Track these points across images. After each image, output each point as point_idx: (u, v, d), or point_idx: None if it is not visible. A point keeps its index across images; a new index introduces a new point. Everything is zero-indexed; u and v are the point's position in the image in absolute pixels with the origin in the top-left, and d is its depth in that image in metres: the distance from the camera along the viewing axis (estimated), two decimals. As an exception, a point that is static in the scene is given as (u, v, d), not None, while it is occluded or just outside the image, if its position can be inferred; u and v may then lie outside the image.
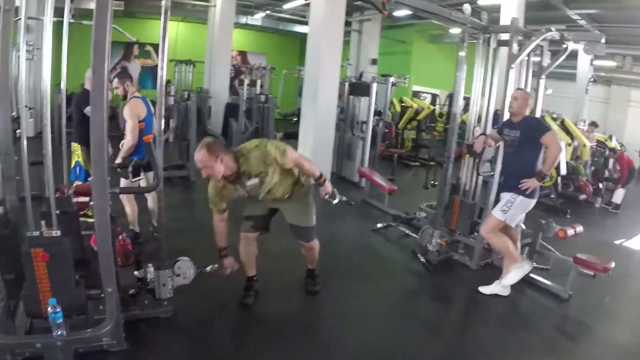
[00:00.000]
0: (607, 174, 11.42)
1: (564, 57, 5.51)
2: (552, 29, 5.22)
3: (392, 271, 5.43)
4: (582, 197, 9.53)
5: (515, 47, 5.14)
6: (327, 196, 3.94)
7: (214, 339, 3.71)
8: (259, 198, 3.83)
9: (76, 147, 5.40)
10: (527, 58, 5.44)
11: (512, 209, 4.61)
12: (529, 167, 4.58)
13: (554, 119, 9.95)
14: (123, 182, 4.76)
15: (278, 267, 4.96)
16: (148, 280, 3.66)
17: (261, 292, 4.33)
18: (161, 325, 3.69)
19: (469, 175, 5.68)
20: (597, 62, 15.86)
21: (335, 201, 3.97)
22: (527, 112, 4.72)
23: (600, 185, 11.03)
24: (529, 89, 5.57)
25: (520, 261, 4.74)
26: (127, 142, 4.74)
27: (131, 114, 4.76)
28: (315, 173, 3.86)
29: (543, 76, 5.59)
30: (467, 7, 5.10)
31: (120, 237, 4.22)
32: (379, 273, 5.32)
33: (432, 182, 6.05)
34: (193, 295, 4.04)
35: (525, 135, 4.57)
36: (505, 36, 5.37)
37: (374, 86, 8.66)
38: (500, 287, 4.78)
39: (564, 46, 5.45)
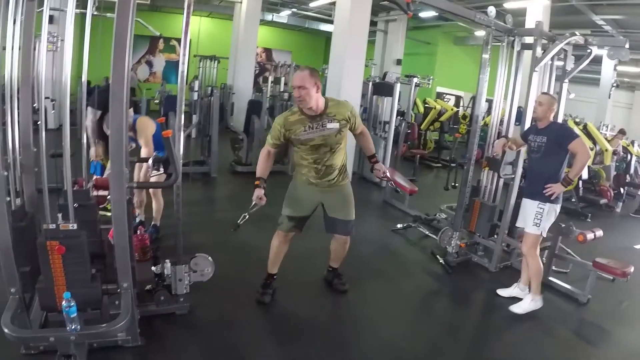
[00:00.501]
0: (628, 178, 11.37)
1: (587, 61, 5.49)
2: (577, 33, 5.23)
3: (411, 272, 5.45)
4: (603, 201, 9.53)
5: (539, 50, 5.15)
6: (383, 174, 4.12)
7: (230, 337, 3.70)
8: (321, 155, 3.81)
9: None
10: (550, 62, 5.45)
11: (543, 220, 4.49)
12: (554, 173, 4.48)
13: (577, 123, 9.92)
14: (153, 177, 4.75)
15: (297, 266, 4.95)
16: (165, 275, 3.70)
17: (279, 291, 4.35)
18: (177, 321, 3.70)
19: (489, 178, 5.72)
20: (621, 68, 15.79)
21: (390, 182, 4.17)
22: (552, 117, 4.64)
23: (622, 190, 11.00)
24: (552, 93, 5.59)
25: (539, 295, 4.64)
26: (145, 152, 4.76)
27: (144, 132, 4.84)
28: (373, 148, 4.20)
29: (566, 80, 5.57)
30: (491, 10, 5.12)
31: (138, 231, 4.32)
32: (398, 273, 5.36)
33: (453, 183, 6.10)
34: (210, 292, 4.08)
35: (552, 142, 4.45)
36: (529, 39, 5.37)
37: (398, 86, 8.69)
38: (531, 302, 4.65)
39: (588, 51, 5.43)
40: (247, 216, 3.68)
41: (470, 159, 5.49)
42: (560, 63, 5.62)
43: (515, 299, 4.79)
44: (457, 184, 5.49)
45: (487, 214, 5.54)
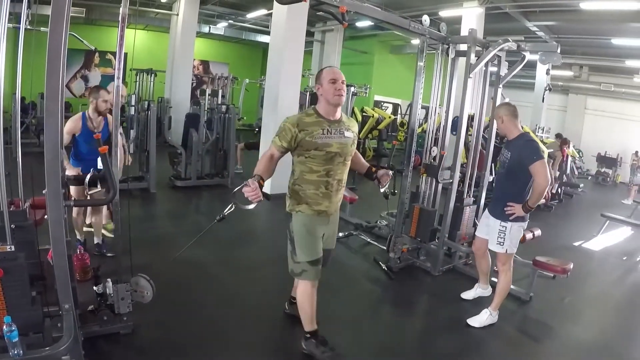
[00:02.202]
0: (565, 179, 11.73)
1: (520, 66, 5.61)
2: (510, 39, 5.32)
3: (354, 280, 5.40)
4: (541, 202, 9.73)
5: (473, 57, 5.23)
6: (384, 186, 3.77)
7: (175, 356, 3.58)
8: (335, 167, 3.34)
9: None
10: (484, 68, 5.55)
11: (506, 239, 4.31)
12: (518, 192, 4.24)
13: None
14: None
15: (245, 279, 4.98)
16: (107, 295, 3.59)
17: (228, 309, 4.32)
18: (121, 341, 3.59)
19: (428, 183, 5.76)
20: (554, 72, 16.33)
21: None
22: (519, 126, 4.38)
23: (560, 190, 11.34)
24: (486, 98, 5.67)
25: (497, 310, 4.55)
26: None
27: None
28: (365, 162, 3.91)
29: (500, 85, 5.68)
30: (425, 18, 5.15)
31: (78, 251, 4.18)
32: (341, 282, 5.27)
33: (392, 190, 6.09)
34: (154, 310, 3.95)
35: (514, 159, 4.22)
36: (463, 47, 5.46)
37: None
38: (489, 317, 4.54)
39: (522, 56, 5.55)
40: (233, 208, 3.40)
41: (409, 166, 5.48)
42: (495, 69, 5.70)
43: (459, 301, 4.93)
44: (396, 191, 5.47)
45: (427, 219, 5.57)
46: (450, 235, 5.58)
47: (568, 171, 12.03)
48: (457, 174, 5.45)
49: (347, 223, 7.16)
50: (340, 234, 6.58)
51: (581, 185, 12.60)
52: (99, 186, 4.38)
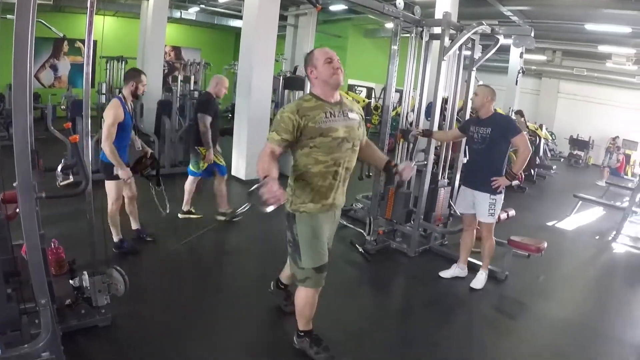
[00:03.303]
0: (538, 161, 11.86)
1: (494, 50, 5.66)
2: (484, 23, 5.34)
3: (331, 263, 5.29)
4: (515, 183, 9.80)
5: (447, 40, 5.23)
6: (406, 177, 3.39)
7: (153, 347, 3.52)
8: (343, 154, 3.03)
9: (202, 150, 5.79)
10: (458, 51, 5.56)
11: (496, 210, 4.74)
12: (499, 164, 4.66)
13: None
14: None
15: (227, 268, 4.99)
16: (84, 288, 3.48)
17: (211, 299, 4.28)
18: (100, 334, 3.52)
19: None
20: (528, 56, 16.44)
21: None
22: (492, 108, 4.73)
23: (532, 172, 11.45)
24: (460, 81, 5.69)
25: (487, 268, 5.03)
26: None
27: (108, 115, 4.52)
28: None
29: (474, 68, 5.70)
30: (399, 1, 5.14)
31: (52, 245, 4.07)
32: None
33: (367, 173, 6.11)
34: (132, 301, 3.89)
35: (496, 133, 4.57)
36: (437, 30, 5.46)
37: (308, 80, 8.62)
38: (486, 276, 4.98)
39: (495, 40, 5.57)
40: (247, 207, 3.11)
41: (383, 149, 5.48)
42: (469, 52, 5.72)
43: (437, 280, 5.02)
44: (370, 174, 5.49)
45: (402, 201, 5.60)
46: (425, 217, 5.61)
47: (541, 153, 12.16)
48: (432, 156, 5.47)
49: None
50: None
51: (554, 167, 12.76)
52: (71, 177, 4.30)
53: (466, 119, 5.60)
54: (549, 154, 13.78)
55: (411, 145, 5.66)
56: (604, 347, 4.10)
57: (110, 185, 4.69)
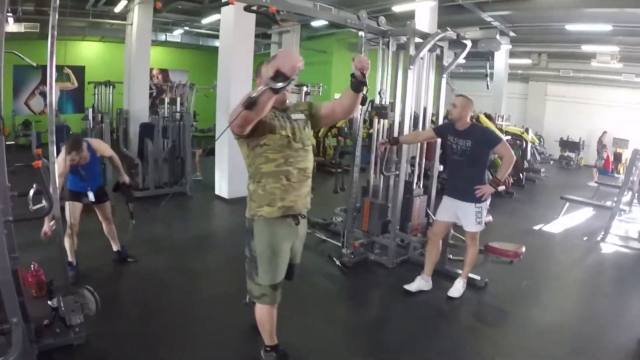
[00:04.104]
0: (526, 164, 11.84)
1: (463, 55, 5.68)
2: (448, 29, 5.34)
3: (308, 277, 5.25)
4: (502, 188, 9.76)
5: (412, 49, 5.24)
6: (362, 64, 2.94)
7: None
8: (293, 153, 3.00)
9: None
10: (429, 58, 5.59)
11: (482, 217, 4.72)
12: (482, 174, 4.68)
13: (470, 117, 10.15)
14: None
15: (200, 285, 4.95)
16: (60, 308, 3.59)
17: (184, 316, 4.29)
18: (75, 353, 3.57)
19: (377, 177, 5.75)
20: (513, 61, 16.54)
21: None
22: (469, 118, 4.74)
23: (521, 176, 11.42)
24: (430, 89, 5.68)
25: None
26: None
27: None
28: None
29: (444, 75, 5.71)
30: (362, 13, 5.18)
31: (32, 267, 4.16)
32: (295, 281, 5.20)
33: (341, 186, 6.10)
34: (109, 319, 3.98)
35: (477, 146, 4.57)
36: (405, 39, 5.44)
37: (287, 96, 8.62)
38: (464, 284, 4.98)
39: (463, 45, 5.58)
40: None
41: (355, 162, 5.49)
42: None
43: (419, 292, 4.92)
44: (344, 187, 5.50)
45: (377, 212, 5.58)
46: (402, 227, 5.58)
47: (529, 157, 12.14)
48: (404, 165, 5.45)
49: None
50: None
51: (543, 170, 12.71)
52: (43, 201, 4.32)
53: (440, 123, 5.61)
54: (538, 157, 13.74)
55: (379, 155, 5.62)
56: (591, 354, 4.01)
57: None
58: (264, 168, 2.98)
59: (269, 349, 3.45)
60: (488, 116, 11.47)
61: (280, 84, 2.35)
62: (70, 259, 4.86)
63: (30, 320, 3.45)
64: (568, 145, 16.92)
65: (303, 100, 8.68)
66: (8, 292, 2.91)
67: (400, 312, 4.68)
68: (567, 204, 8.58)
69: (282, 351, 3.46)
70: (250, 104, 2.44)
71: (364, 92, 2.95)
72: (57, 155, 4.62)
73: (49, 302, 3.64)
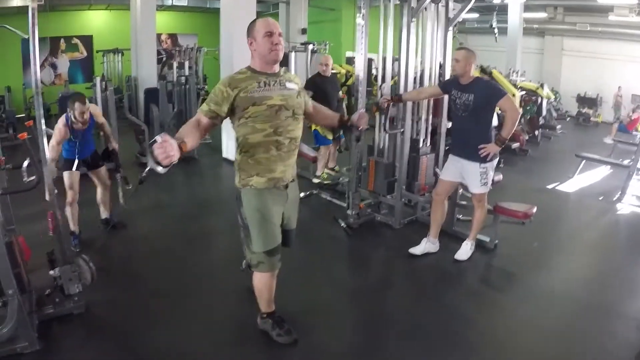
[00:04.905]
0: (542, 121, 11.55)
1: (469, 5, 5.39)
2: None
3: (312, 240, 5.17)
4: (516, 145, 9.55)
5: (414, 0, 5.03)
6: (362, 126, 3.31)
7: (128, 332, 3.58)
8: (283, 122, 2.90)
9: None
10: (435, 11, 5.33)
11: (488, 178, 4.51)
12: (485, 131, 4.43)
13: (483, 70, 9.89)
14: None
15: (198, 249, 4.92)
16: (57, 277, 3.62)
17: (182, 282, 4.29)
18: (75, 321, 3.60)
19: (382, 136, 5.57)
20: (529, 15, 16.05)
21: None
22: (472, 72, 4.45)
23: (537, 133, 11.16)
24: (437, 43, 5.46)
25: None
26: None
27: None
28: (334, 113, 3.46)
29: (451, 27, 5.48)
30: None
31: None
32: (298, 244, 4.99)
33: (345, 147, 5.96)
34: (106, 287, 4.01)
35: (480, 100, 4.31)
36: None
37: (293, 55, 8.47)
38: (472, 247, 4.82)
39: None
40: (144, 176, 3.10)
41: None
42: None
43: (429, 255, 4.78)
44: (348, 148, 5.37)
45: (383, 171, 5.43)
46: (409, 187, 5.43)
47: (544, 113, 11.83)
48: (409, 122, 5.28)
49: (310, 183, 6.97)
50: (302, 194, 6.27)
51: (559, 126, 12.36)
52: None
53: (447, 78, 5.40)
54: (554, 114, 13.39)
55: (383, 116, 5.38)
56: (600, 321, 3.83)
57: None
58: (251, 138, 2.88)
59: (264, 315, 3.40)
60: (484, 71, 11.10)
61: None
62: (72, 228, 4.88)
63: (32, 290, 3.62)
64: (586, 101, 16.52)
65: (310, 59, 8.48)
66: (2, 264, 2.95)
67: (404, 275, 4.60)
68: (583, 161, 8.29)
69: (278, 317, 3.41)
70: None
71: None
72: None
73: (50, 272, 3.63)
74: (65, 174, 4.86)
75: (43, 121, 3.51)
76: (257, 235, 3.01)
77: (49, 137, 4.46)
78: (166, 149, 2.22)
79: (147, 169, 2.49)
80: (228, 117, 2.89)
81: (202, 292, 4.11)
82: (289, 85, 2.98)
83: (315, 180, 6.92)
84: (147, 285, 4.24)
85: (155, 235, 5.32)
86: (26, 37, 3.74)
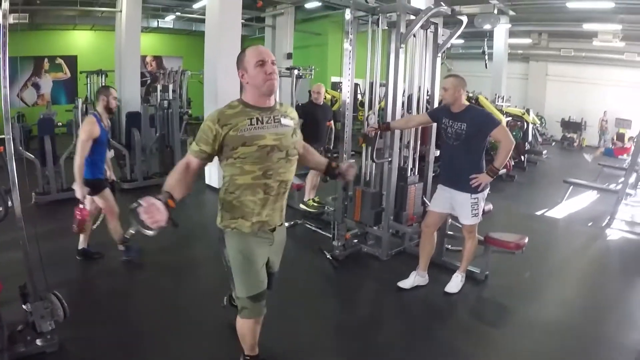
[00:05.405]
0: (528, 146, 11.56)
1: (459, 32, 5.32)
2: (442, 3, 5.01)
3: (296, 273, 4.93)
4: (503, 171, 9.46)
5: (403, 26, 4.93)
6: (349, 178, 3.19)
7: None
8: (274, 164, 2.66)
9: None
10: (424, 37, 5.27)
11: (479, 209, 4.38)
12: (477, 161, 4.30)
13: (469, 99, 9.86)
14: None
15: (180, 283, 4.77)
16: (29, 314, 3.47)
17: (163, 317, 4.10)
18: None
19: (368, 164, 5.44)
20: (513, 40, 16.22)
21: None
22: (464, 100, 4.34)
23: (523, 158, 11.15)
24: (427, 68, 5.39)
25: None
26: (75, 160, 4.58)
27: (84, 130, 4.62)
28: (324, 159, 3.21)
29: (440, 53, 5.42)
30: (349, -10, 4.88)
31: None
32: (284, 276, 4.90)
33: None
34: (85, 323, 3.85)
35: (473, 129, 4.18)
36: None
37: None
38: (462, 279, 4.67)
39: (459, 22, 5.25)
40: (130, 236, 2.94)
41: (344, 148, 5.24)
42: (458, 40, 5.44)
43: (418, 288, 4.63)
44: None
45: (370, 201, 5.25)
46: (396, 217, 5.27)
47: (530, 138, 11.84)
48: (396, 151, 5.16)
49: (295, 211, 6.83)
50: (286, 224, 6.19)
51: (544, 151, 12.39)
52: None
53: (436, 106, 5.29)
54: (539, 139, 13.44)
55: (370, 147, 5.26)
56: (598, 353, 3.72)
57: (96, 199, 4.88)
58: (239, 180, 2.65)
59: (248, 358, 3.18)
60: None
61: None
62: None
63: (3, 326, 3.42)
64: (570, 125, 16.66)
65: (294, 85, 8.36)
66: None
67: (393, 310, 4.43)
68: (571, 187, 8.26)
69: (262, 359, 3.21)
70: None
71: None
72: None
73: (23, 307, 3.46)
74: (95, 198, 4.84)
75: (12, 146, 3.35)
76: (241, 280, 2.80)
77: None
78: (153, 214, 2.14)
79: (132, 230, 2.33)
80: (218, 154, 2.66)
81: (183, 328, 3.91)
82: (284, 121, 2.73)
83: (302, 207, 6.80)
84: (125, 321, 4.04)
85: (135, 266, 5.11)
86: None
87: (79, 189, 4.50)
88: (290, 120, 2.79)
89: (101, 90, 4.97)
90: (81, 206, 4.60)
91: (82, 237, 5.11)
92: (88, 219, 4.78)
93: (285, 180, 2.76)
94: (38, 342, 3.43)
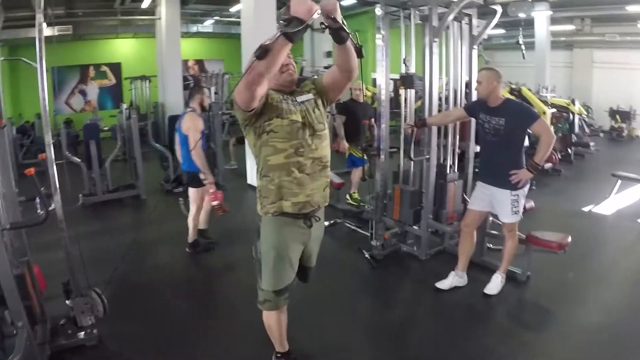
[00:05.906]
0: (574, 138, 11.21)
1: (494, 22, 5.21)
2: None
3: (334, 272, 4.95)
4: (548, 165, 9.18)
5: (435, 19, 4.85)
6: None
7: None
8: (303, 141, 2.68)
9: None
10: (458, 29, 5.15)
11: (520, 206, 4.24)
12: (517, 156, 4.19)
13: (512, 90, 9.65)
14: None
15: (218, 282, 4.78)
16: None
17: (200, 315, 4.21)
18: (87, 354, 3.56)
19: (407, 162, 5.36)
20: (555, 27, 15.72)
21: None
22: (500, 93, 4.24)
23: (570, 151, 10.82)
24: (464, 61, 5.27)
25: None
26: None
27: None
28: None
29: (475, 45, 5.30)
30: (378, -15, 4.81)
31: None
32: (319, 277, 4.85)
33: (369, 174, 5.75)
34: (125, 319, 4.00)
35: (512, 124, 4.08)
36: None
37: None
38: (503, 280, 4.51)
39: (494, 11, 5.15)
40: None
41: (380, 145, 5.21)
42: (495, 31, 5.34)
43: (457, 289, 4.53)
44: (372, 175, 5.20)
45: (409, 199, 5.19)
46: (436, 215, 5.19)
47: (577, 129, 11.49)
48: (434, 148, 5.07)
49: (335, 210, 6.79)
50: (326, 223, 6.02)
51: (592, 143, 11.95)
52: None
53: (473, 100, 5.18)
54: (586, 130, 13.00)
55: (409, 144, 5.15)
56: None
57: (192, 192, 5.36)
58: (271, 160, 2.67)
59: (279, 355, 3.25)
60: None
61: (294, 29, 2.06)
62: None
63: (47, 320, 3.64)
64: (619, 114, 16.02)
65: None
66: (12, 298, 2.98)
67: (431, 311, 4.36)
68: (620, 181, 7.91)
69: (294, 359, 3.27)
70: (263, 51, 2.12)
71: (351, 38, 2.41)
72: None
73: (67, 302, 3.66)
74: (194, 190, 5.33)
75: (52, 151, 3.48)
76: (269, 273, 2.85)
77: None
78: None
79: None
80: (252, 130, 2.68)
81: (219, 327, 3.98)
82: (303, 98, 2.78)
83: (348, 200, 7.11)
84: (163, 319, 4.13)
85: (175, 265, 5.25)
86: (35, 65, 3.73)
87: (209, 180, 5.01)
88: (308, 93, 2.83)
89: (196, 89, 5.46)
90: (211, 191, 4.99)
91: (190, 231, 5.48)
92: (222, 197, 5.02)
93: (318, 157, 2.76)
94: (79, 335, 3.61)
